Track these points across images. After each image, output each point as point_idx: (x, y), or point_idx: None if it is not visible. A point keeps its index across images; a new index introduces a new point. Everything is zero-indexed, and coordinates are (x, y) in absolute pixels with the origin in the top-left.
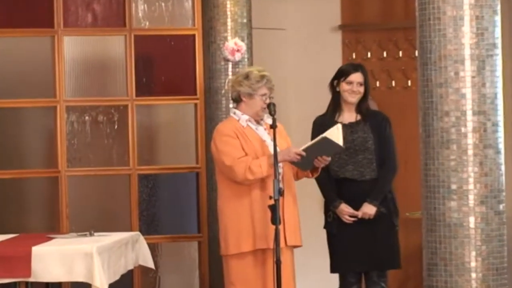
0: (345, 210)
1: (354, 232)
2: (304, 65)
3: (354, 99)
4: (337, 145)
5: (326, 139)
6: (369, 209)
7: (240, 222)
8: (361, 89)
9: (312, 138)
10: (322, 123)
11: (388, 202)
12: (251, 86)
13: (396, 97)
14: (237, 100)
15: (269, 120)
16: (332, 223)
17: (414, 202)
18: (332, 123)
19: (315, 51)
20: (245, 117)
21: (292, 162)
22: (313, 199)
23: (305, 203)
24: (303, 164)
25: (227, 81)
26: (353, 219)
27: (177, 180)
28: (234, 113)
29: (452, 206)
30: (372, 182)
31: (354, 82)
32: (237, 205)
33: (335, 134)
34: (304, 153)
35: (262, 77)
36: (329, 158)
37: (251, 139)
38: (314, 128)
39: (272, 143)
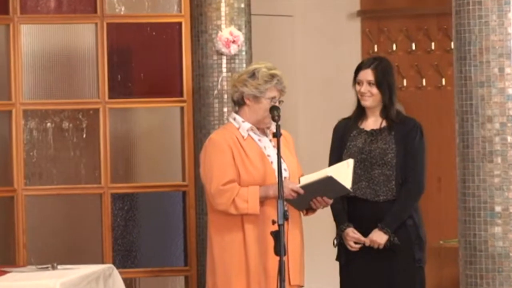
0: (349, 235)
1: (364, 264)
2: (316, 60)
3: (366, 102)
4: (343, 187)
5: (331, 179)
6: (378, 237)
7: (231, 255)
8: (373, 89)
9: (333, 147)
10: (344, 130)
11: (408, 230)
12: (258, 86)
13: (427, 99)
14: (240, 103)
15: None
16: (340, 251)
17: (449, 227)
18: (354, 129)
19: (328, 42)
20: (247, 125)
21: (286, 199)
22: (325, 223)
23: (315, 227)
24: (298, 202)
25: (220, 79)
26: (358, 246)
27: (159, 200)
28: (234, 119)
29: (496, 232)
30: (387, 204)
31: (363, 82)
32: (228, 233)
33: (344, 171)
34: (302, 191)
35: (272, 76)
36: (331, 201)
37: (250, 155)
38: (335, 135)
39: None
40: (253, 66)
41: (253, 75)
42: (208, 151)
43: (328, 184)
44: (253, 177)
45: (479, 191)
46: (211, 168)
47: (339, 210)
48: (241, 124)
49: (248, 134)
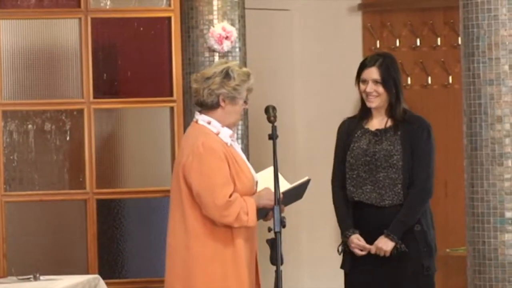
0: (354, 242)
1: (370, 273)
2: (314, 57)
3: (372, 103)
4: (303, 193)
5: (307, 183)
6: (384, 244)
7: (216, 269)
8: (379, 89)
9: (337, 148)
10: (348, 130)
11: (416, 237)
12: (236, 87)
13: (433, 98)
14: (214, 107)
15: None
16: (345, 259)
17: (457, 235)
18: (359, 129)
19: (328, 38)
20: (227, 131)
21: (263, 208)
22: (330, 229)
23: (320, 234)
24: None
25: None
26: (363, 253)
27: (148, 207)
28: (209, 123)
29: (506, 239)
30: (393, 210)
31: (368, 81)
32: (218, 245)
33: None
34: (282, 198)
35: (248, 75)
36: (284, 209)
37: (239, 163)
38: (339, 135)
39: (251, 166)
40: (221, 66)
41: (227, 75)
42: (205, 158)
43: (300, 190)
44: (246, 187)
45: (488, 196)
46: (212, 177)
47: (344, 215)
48: (220, 129)
49: (231, 142)
